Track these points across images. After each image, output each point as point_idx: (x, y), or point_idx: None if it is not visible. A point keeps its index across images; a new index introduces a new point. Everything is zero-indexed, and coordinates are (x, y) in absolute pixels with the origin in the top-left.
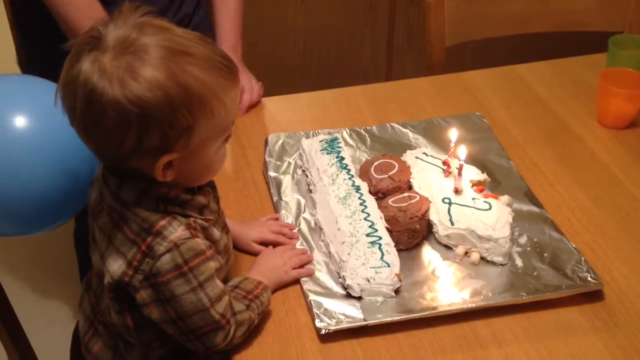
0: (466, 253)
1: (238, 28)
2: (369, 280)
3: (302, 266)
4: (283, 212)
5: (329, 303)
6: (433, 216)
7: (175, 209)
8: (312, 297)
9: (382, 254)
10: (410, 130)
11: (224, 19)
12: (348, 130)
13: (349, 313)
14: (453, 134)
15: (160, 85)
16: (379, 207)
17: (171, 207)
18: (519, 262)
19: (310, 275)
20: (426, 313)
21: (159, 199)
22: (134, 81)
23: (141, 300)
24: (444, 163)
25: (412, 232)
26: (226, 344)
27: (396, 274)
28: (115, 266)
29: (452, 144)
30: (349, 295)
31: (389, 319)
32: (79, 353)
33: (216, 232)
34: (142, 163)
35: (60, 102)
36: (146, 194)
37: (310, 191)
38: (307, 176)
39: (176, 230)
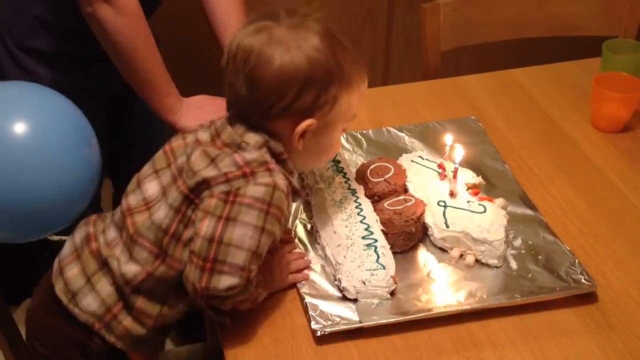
0: (461, 255)
1: None
2: (364, 283)
3: (299, 270)
4: None
5: (324, 305)
6: (428, 219)
7: (284, 171)
8: (307, 299)
9: (378, 257)
10: (406, 134)
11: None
12: (344, 134)
13: (344, 315)
14: (449, 138)
15: (324, 52)
16: (375, 210)
17: (282, 167)
18: (513, 264)
19: (306, 279)
20: (421, 315)
21: (274, 154)
22: (305, 45)
23: (205, 207)
24: (439, 166)
25: (407, 235)
26: (222, 298)
27: (392, 276)
28: (211, 172)
29: (447, 148)
30: (344, 298)
31: (384, 321)
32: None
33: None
34: (283, 124)
35: (228, 59)
36: (267, 145)
37: (307, 194)
38: (303, 180)
39: (281, 180)
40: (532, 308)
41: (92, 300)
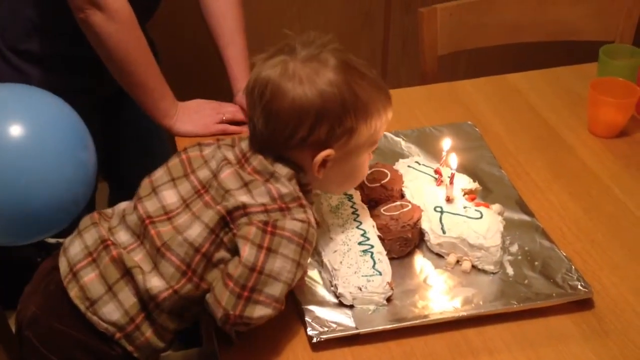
0: (458, 261)
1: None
2: (360, 289)
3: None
4: None
5: (321, 311)
6: (425, 225)
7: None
8: (304, 305)
9: (374, 263)
10: (403, 139)
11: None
12: None
13: (341, 321)
14: (446, 143)
15: (337, 85)
16: (371, 215)
17: (305, 198)
18: (510, 270)
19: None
20: (418, 321)
21: (301, 185)
22: (317, 79)
23: (244, 233)
24: (436, 172)
25: (404, 241)
26: (249, 325)
27: (388, 282)
28: (245, 198)
29: (444, 153)
30: (341, 304)
31: (380, 327)
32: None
33: None
34: (303, 155)
35: (247, 91)
36: (297, 176)
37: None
38: None
39: (312, 217)
40: (529, 314)
41: (114, 309)
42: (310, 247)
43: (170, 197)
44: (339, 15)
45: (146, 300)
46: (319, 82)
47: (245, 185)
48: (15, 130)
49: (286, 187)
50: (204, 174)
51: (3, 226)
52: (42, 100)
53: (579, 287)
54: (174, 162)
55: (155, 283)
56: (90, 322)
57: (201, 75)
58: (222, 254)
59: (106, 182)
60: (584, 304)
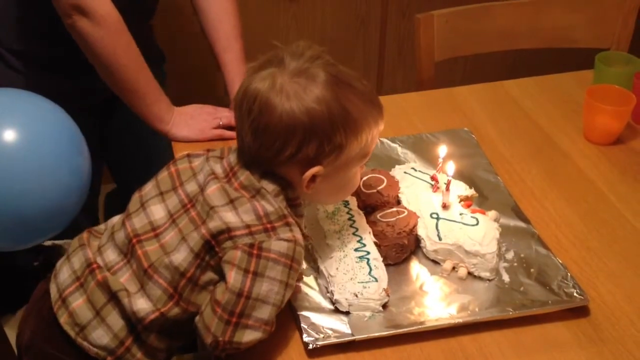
0: (454, 268)
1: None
2: (356, 295)
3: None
4: None
5: (316, 318)
6: (421, 231)
7: (295, 216)
8: (299, 311)
9: (370, 269)
10: (399, 145)
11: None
12: None
13: (336, 328)
14: (442, 150)
15: (326, 102)
16: (368, 221)
17: (294, 213)
18: (505, 277)
19: (297, 292)
20: (414, 328)
21: (289, 200)
22: (305, 96)
23: (230, 258)
24: (432, 178)
25: (400, 247)
26: (240, 349)
27: (384, 289)
28: (232, 219)
29: (441, 160)
30: (336, 310)
31: (376, 334)
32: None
33: None
34: (292, 171)
35: (236, 104)
36: (284, 192)
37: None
38: None
39: (299, 234)
40: (524, 321)
41: (103, 333)
42: (298, 266)
43: (157, 212)
44: (335, 20)
45: (134, 322)
46: (307, 99)
47: (231, 202)
48: (9, 136)
49: (272, 204)
50: (191, 187)
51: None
52: (37, 106)
53: (575, 294)
54: (162, 175)
55: (141, 305)
56: (81, 347)
57: (202, 79)
58: (209, 276)
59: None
60: (579, 312)
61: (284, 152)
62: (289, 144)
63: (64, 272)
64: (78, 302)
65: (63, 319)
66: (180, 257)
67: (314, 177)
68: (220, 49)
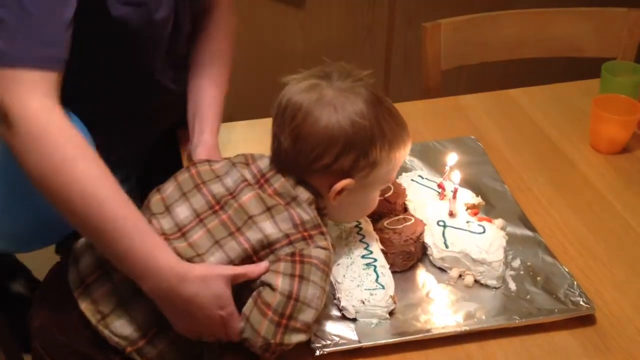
0: (460, 276)
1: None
2: (363, 302)
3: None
4: None
5: (323, 324)
6: (428, 239)
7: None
8: None
9: (377, 276)
10: None
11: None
12: None
13: (343, 334)
14: (451, 158)
15: (368, 118)
16: (374, 229)
17: (322, 222)
18: (512, 285)
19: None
20: (420, 336)
21: (319, 209)
22: (351, 109)
23: (274, 268)
24: (439, 186)
25: (406, 255)
26: (286, 350)
27: (391, 296)
28: (271, 229)
29: (448, 168)
30: (344, 317)
31: (383, 341)
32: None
33: None
34: (322, 181)
35: (277, 112)
36: (316, 201)
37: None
38: None
39: (330, 241)
40: (531, 330)
41: (126, 324)
42: (330, 272)
43: (182, 212)
44: (341, 28)
45: (159, 315)
46: (352, 112)
47: (268, 210)
48: None
49: (307, 213)
50: (217, 189)
51: (17, 232)
52: None
53: (581, 303)
54: (183, 177)
55: None
56: (102, 336)
57: None
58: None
59: None
60: (586, 320)
61: (321, 161)
62: (328, 153)
63: (87, 259)
64: (102, 290)
65: (84, 305)
66: (215, 261)
67: (341, 190)
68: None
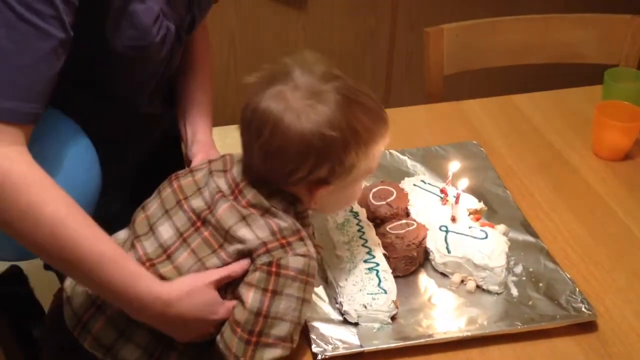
0: (462, 281)
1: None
2: (365, 307)
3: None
4: None
5: (325, 328)
6: (430, 244)
7: (304, 227)
8: (309, 322)
9: (379, 281)
10: (409, 158)
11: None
12: None
13: (345, 339)
14: (454, 166)
15: (339, 127)
16: (377, 233)
17: (301, 224)
18: (514, 291)
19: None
20: (422, 340)
21: (297, 213)
22: (319, 119)
23: (249, 280)
24: (442, 191)
25: (409, 259)
26: None
27: (393, 300)
28: (249, 235)
29: (450, 173)
30: (345, 321)
31: (385, 346)
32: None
33: None
34: (300, 190)
35: (243, 123)
36: (293, 207)
37: (313, 228)
38: None
39: (312, 247)
40: (533, 336)
41: (132, 350)
42: (313, 280)
43: (166, 232)
44: (344, 32)
45: (160, 335)
46: (321, 123)
47: (244, 219)
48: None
49: (284, 220)
50: (197, 203)
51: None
52: (52, 124)
53: (583, 309)
54: (166, 192)
55: None
56: None
57: None
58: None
59: None
60: (587, 327)
61: (295, 175)
62: (301, 167)
63: (79, 296)
64: (99, 325)
65: (87, 343)
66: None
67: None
68: (186, 100)
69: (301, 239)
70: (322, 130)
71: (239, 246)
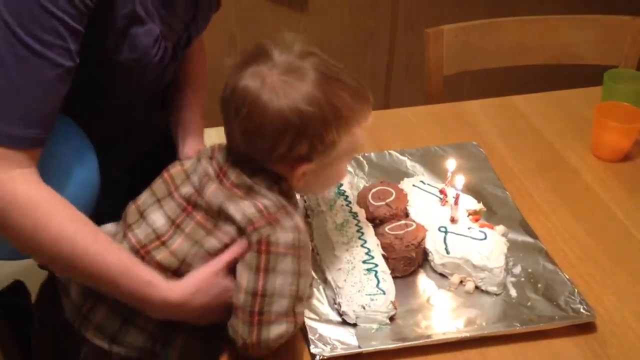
0: (461, 282)
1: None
2: (364, 307)
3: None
4: None
5: (324, 329)
6: (429, 244)
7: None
8: (307, 322)
9: (378, 281)
10: (408, 158)
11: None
12: None
13: (343, 339)
14: (451, 164)
15: (318, 103)
16: (376, 234)
17: (287, 201)
18: (513, 292)
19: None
20: (420, 341)
21: (282, 192)
22: (296, 96)
23: (242, 261)
24: (441, 192)
25: (408, 260)
26: (272, 346)
27: (392, 301)
28: (239, 215)
29: (449, 174)
30: (344, 322)
31: (383, 347)
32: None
33: None
34: (283, 168)
35: (224, 103)
36: (277, 185)
37: (308, 216)
38: (305, 202)
39: (300, 221)
40: (531, 337)
41: (137, 335)
42: (306, 252)
43: (158, 219)
44: (344, 32)
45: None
46: (298, 99)
47: (230, 198)
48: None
49: (268, 198)
50: (186, 189)
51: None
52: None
53: (582, 310)
54: (157, 183)
55: None
56: (119, 356)
57: None
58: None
59: None
60: (586, 328)
61: (275, 152)
62: (281, 144)
63: (76, 288)
64: (101, 314)
65: (89, 333)
66: (201, 264)
67: (304, 174)
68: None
69: (287, 213)
70: (299, 106)
71: (231, 225)
